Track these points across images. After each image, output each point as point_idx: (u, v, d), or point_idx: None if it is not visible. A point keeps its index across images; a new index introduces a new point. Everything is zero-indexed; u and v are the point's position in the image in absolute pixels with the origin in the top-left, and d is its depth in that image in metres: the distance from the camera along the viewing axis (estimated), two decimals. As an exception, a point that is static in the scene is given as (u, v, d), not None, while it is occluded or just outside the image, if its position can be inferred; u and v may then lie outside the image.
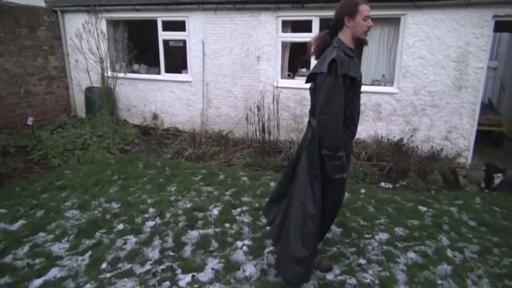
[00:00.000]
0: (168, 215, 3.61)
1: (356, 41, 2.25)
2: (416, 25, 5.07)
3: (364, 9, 2.20)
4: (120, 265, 2.83)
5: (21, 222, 3.50)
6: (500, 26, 5.32)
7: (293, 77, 6.11)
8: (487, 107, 6.64)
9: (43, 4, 7.05)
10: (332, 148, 2.15)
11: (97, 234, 3.27)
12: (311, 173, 2.30)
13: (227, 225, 3.41)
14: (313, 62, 5.92)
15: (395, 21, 5.28)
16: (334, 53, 2.10)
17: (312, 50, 2.30)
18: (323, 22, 5.62)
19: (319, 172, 2.29)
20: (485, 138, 6.00)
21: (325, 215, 2.48)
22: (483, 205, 3.90)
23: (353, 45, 2.25)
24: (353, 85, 2.18)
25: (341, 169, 2.21)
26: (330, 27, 2.29)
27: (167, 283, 2.59)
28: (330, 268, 2.74)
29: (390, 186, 4.55)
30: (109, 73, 6.72)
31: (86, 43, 6.47)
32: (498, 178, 4.37)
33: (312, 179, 2.30)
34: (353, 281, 2.62)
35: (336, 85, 2.08)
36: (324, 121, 2.12)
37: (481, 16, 4.76)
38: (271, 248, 3.00)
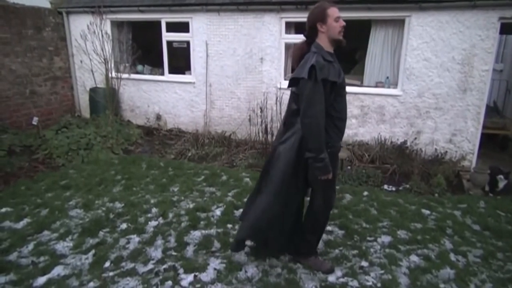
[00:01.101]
0: (171, 215, 3.62)
1: (334, 42, 2.33)
2: (420, 27, 5.05)
3: (333, 11, 2.29)
4: (123, 264, 2.85)
5: (26, 220, 3.53)
6: (506, 28, 5.28)
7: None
8: (492, 110, 6.58)
9: (48, 5, 7.11)
10: (315, 150, 2.23)
11: (101, 233, 3.29)
12: (286, 173, 2.40)
13: (229, 225, 3.42)
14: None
15: (399, 23, 5.27)
16: (313, 59, 2.19)
17: (293, 61, 2.44)
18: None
19: (300, 173, 2.40)
20: (490, 141, 5.96)
21: (316, 215, 2.59)
22: (487, 209, 3.87)
23: (331, 48, 2.35)
24: (334, 88, 2.27)
25: (325, 170, 2.28)
26: (306, 36, 2.38)
27: (170, 282, 2.60)
28: (332, 270, 2.74)
29: (393, 188, 4.53)
30: (113, 74, 6.77)
31: (90, 44, 6.52)
32: (501, 182, 4.33)
33: (288, 179, 2.42)
34: (355, 283, 2.62)
35: (316, 90, 2.17)
36: (307, 124, 2.22)
37: (487, 18, 4.73)
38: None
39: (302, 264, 2.82)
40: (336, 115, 2.35)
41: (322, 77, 2.16)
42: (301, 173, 2.44)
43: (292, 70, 2.52)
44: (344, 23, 2.32)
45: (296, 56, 2.38)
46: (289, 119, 2.47)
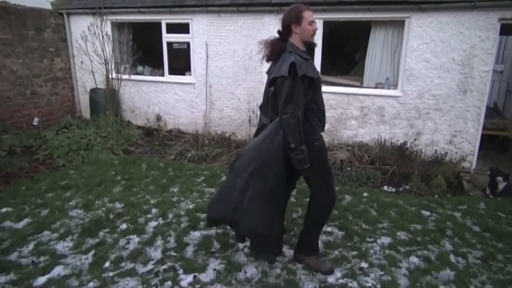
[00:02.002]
0: (170, 215, 3.63)
1: (305, 44, 2.45)
2: (420, 28, 5.06)
3: (308, 15, 2.40)
4: (123, 264, 2.85)
5: (26, 220, 3.54)
6: (506, 29, 5.29)
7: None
8: (492, 111, 6.59)
9: (49, 7, 7.13)
10: (296, 143, 2.31)
11: (101, 233, 3.30)
12: (279, 173, 2.44)
13: (228, 226, 3.41)
14: (316, 64, 5.93)
15: (399, 24, 5.28)
16: (291, 57, 2.29)
17: (269, 55, 2.49)
18: (327, 25, 5.64)
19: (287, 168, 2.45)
20: (490, 142, 5.96)
21: (321, 205, 2.60)
22: (488, 210, 3.87)
23: (304, 47, 2.46)
24: (312, 84, 2.38)
25: (305, 161, 2.38)
26: (280, 34, 2.47)
27: (169, 283, 2.60)
28: (331, 271, 2.74)
29: (393, 190, 4.53)
30: (114, 75, 6.78)
31: (91, 45, 6.53)
32: (501, 183, 4.32)
33: (280, 179, 2.45)
34: (354, 284, 2.61)
35: (295, 86, 2.27)
36: (286, 120, 2.30)
37: (487, 19, 4.74)
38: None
39: (302, 264, 2.82)
40: (317, 107, 2.47)
41: (302, 73, 2.26)
42: (288, 169, 2.51)
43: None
44: (316, 28, 2.47)
45: (273, 52, 2.45)
46: (274, 115, 2.53)
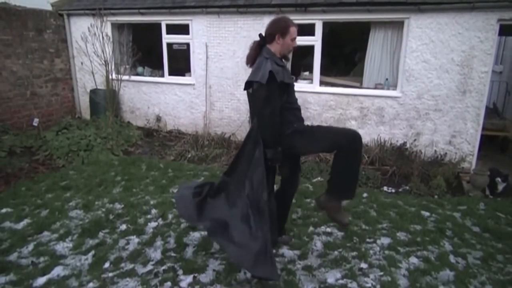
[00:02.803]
0: (170, 216, 3.63)
1: (281, 55, 2.60)
2: (420, 29, 5.07)
3: (293, 31, 2.54)
4: (122, 265, 2.85)
5: (26, 221, 3.54)
6: (505, 30, 5.31)
7: (295, 80, 6.12)
8: (492, 112, 6.59)
9: (49, 8, 7.15)
10: (271, 143, 2.44)
11: (100, 234, 3.30)
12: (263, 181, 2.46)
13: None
14: (316, 65, 5.95)
15: (398, 25, 5.29)
16: (268, 64, 2.40)
17: (246, 60, 2.66)
18: (326, 26, 5.65)
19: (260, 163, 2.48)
20: (490, 143, 5.96)
21: (349, 150, 2.50)
22: (487, 210, 3.87)
23: (279, 55, 2.59)
24: (287, 88, 2.54)
25: (278, 159, 2.50)
26: (261, 38, 2.60)
27: (169, 283, 2.60)
28: (346, 224, 2.75)
29: (393, 190, 4.53)
30: (114, 76, 6.79)
31: (91, 46, 6.54)
32: (500, 184, 4.33)
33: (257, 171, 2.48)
34: (354, 285, 2.62)
35: (271, 92, 2.39)
36: (264, 123, 2.43)
37: (486, 19, 4.75)
38: (273, 251, 3.00)
39: (323, 209, 2.73)
40: (291, 106, 2.61)
41: (279, 79, 2.39)
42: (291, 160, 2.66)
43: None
44: (296, 45, 2.61)
45: (251, 55, 2.60)
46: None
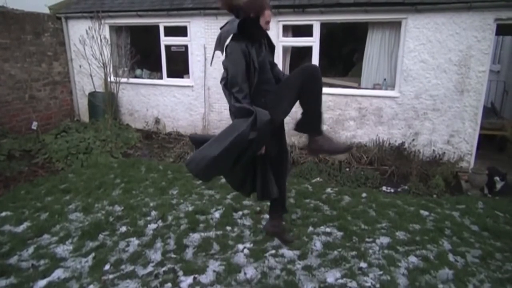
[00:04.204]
0: (170, 218, 3.64)
1: None
2: (417, 29, 5.09)
3: (268, 14, 2.43)
4: (123, 266, 2.86)
5: (26, 224, 3.55)
6: (502, 30, 5.33)
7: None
8: (490, 111, 6.62)
9: (47, 11, 7.16)
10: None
11: (100, 236, 3.31)
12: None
13: (228, 228, 3.43)
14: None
15: (396, 25, 5.31)
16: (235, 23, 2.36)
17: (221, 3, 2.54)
18: (324, 26, 5.67)
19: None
20: (488, 142, 5.98)
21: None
22: (486, 209, 3.88)
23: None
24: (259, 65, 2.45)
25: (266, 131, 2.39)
26: (234, 13, 2.51)
27: (169, 284, 2.61)
28: (343, 150, 2.84)
29: (392, 190, 4.55)
30: (112, 78, 6.79)
31: (89, 49, 6.55)
32: (498, 183, 4.35)
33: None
34: (353, 284, 2.62)
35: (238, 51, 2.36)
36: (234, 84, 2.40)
37: (483, 19, 4.77)
38: (273, 251, 3.01)
39: (315, 152, 2.81)
40: (264, 83, 2.51)
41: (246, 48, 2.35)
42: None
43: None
44: (269, 29, 2.51)
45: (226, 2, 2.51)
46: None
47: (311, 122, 2.62)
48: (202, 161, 2.31)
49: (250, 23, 2.37)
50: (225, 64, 2.45)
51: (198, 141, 2.62)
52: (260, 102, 2.45)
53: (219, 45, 2.42)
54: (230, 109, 2.54)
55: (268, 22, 2.47)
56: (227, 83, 2.45)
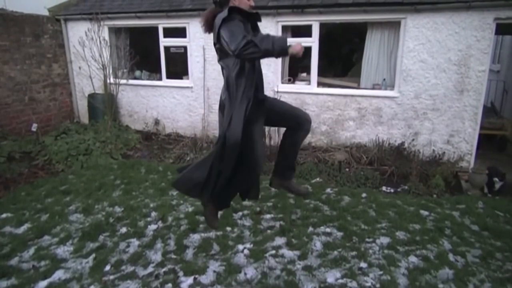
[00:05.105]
0: (170, 218, 3.64)
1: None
2: (416, 29, 5.10)
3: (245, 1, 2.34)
4: (123, 267, 2.86)
5: (26, 225, 3.55)
6: (502, 29, 5.34)
7: (293, 82, 6.15)
8: (489, 111, 6.62)
9: (46, 13, 7.17)
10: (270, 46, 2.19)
11: (101, 237, 3.31)
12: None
13: (228, 228, 3.43)
14: (313, 66, 5.95)
15: (395, 25, 5.32)
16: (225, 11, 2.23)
17: (202, 24, 2.43)
18: (323, 27, 5.67)
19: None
20: (488, 142, 5.98)
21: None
22: (486, 209, 3.88)
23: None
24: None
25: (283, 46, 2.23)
26: (216, 3, 2.39)
27: (170, 285, 2.61)
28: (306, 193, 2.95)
29: (392, 190, 4.55)
30: (112, 80, 6.80)
31: (89, 51, 6.56)
32: (497, 183, 4.35)
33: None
34: (354, 284, 2.62)
35: (237, 25, 2.22)
36: (245, 49, 2.18)
37: (482, 19, 4.77)
38: (273, 252, 3.01)
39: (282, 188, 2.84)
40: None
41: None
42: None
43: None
44: (253, 4, 2.38)
45: (207, 21, 2.39)
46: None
47: (288, 167, 2.74)
48: (189, 182, 2.50)
49: (236, 10, 2.28)
50: (220, 43, 2.28)
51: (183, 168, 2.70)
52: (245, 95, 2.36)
53: (214, 35, 2.35)
54: (226, 83, 2.46)
55: (251, 7, 2.38)
56: (227, 48, 2.21)
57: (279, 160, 2.76)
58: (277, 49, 2.09)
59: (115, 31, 7.07)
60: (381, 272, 2.76)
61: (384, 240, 3.23)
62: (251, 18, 2.42)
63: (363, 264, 2.86)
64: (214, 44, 2.38)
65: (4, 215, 3.77)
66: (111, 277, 2.73)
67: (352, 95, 5.64)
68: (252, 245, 3.11)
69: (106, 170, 5.07)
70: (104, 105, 6.68)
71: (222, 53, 2.37)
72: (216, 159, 2.43)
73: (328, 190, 4.35)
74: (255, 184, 2.69)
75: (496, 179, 4.34)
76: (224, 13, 2.23)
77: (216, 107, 6.49)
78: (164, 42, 6.60)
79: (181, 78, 6.79)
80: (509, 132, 5.98)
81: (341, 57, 7.84)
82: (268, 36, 2.13)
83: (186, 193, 2.76)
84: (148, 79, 7.15)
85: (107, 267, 2.86)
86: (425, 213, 3.78)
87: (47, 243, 3.23)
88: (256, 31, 2.47)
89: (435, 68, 5.12)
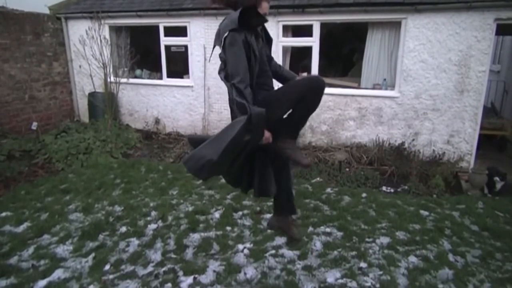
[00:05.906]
0: (170, 218, 3.64)
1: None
2: (417, 29, 5.09)
3: (265, 6, 2.36)
4: (123, 267, 2.86)
5: (26, 224, 3.55)
6: (502, 29, 5.33)
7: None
8: (490, 111, 6.62)
9: (47, 11, 7.16)
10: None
11: (101, 236, 3.31)
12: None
13: (228, 228, 3.43)
14: (314, 66, 5.95)
15: (396, 25, 5.31)
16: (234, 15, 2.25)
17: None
18: (324, 27, 5.67)
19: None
20: (488, 142, 5.98)
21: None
22: (486, 209, 3.88)
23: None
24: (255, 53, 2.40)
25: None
26: (229, 5, 2.40)
27: (169, 285, 2.61)
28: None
29: (392, 190, 4.55)
30: (112, 79, 6.79)
31: (89, 49, 6.55)
32: (498, 183, 4.35)
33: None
34: (353, 284, 2.63)
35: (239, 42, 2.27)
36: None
37: (483, 19, 4.77)
38: (273, 251, 3.01)
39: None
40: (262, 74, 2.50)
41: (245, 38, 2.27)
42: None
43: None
44: (268, 21, 2.42)
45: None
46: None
47: (291, 126, 2.64)
48: (199, 161, 2.30)
49: (250, 11, 2.28)
50: (223, 56, 2.36)
51: (196, 141, 2.59)
52: (256, 100, 2.40)
53: (217, 39, 2.38)
54: (230, 100, 2.48)
55: (265, 15, 2.40)
56: (227, 75, 2.36)
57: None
58: (246, 121, 2.17)
59: (116, 30, 7.06)
60: (381, 272, 2.76)
61: (384, 240, 3.23)
62: (259, 22, 2.41)
63: (363, 264, 2.86)
64: (215, 45, 2.40)
65: (3, 214, 3.77)
66: (111, 276, 2.73)
67: (353, 95, 5.63)
68: (252, 245, 3.11)
69: (106, 169, 5.07)
70: (105, 104, 6.67)
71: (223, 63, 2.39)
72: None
73: (328, 190, 4.35)
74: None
75: (497, 178, 4.34)
76: (235, 19, 2.20)
77: (216, 106, 6.50)
78: (165, 41, 6.60)
79: (182, 77, 6.79)
80: (509, 132, 5.98)
81: (342, 57, 7.83)
82: (246, 106, 2.21)
83: (195, 174, 2.39)
84: (148, 78, 7.14)
85: (107, 267, 2.86)
86: (425, 213, 3.78)
87: (47, 242, 3.23)
88: (267, 36, 2.53)
89: (436, 68, 5.11)
